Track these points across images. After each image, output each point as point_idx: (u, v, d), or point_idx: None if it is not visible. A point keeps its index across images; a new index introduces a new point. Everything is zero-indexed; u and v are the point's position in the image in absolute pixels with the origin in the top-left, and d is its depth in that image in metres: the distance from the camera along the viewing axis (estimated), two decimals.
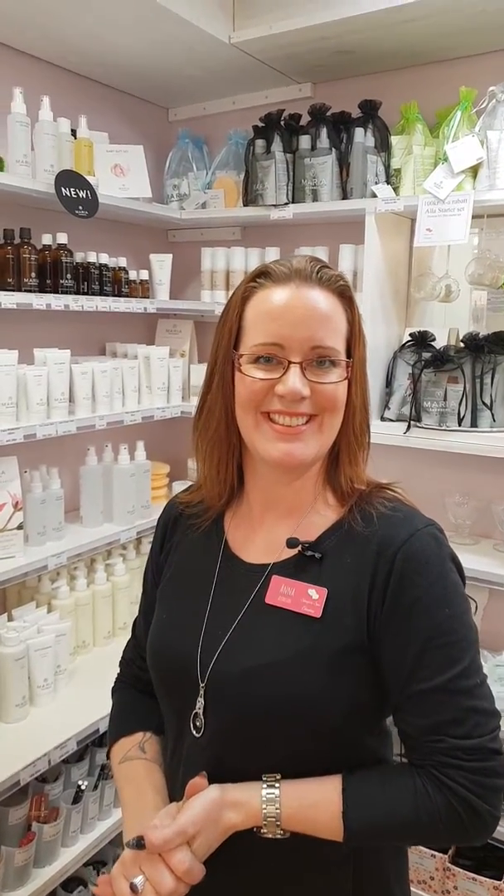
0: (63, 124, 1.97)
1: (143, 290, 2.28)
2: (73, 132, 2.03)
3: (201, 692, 0.93)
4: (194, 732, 0.93)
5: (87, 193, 1.94)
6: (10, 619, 1.98)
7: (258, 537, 0.99)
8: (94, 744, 2.00)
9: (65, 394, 2.00)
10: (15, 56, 2.08)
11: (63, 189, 1.87)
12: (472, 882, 1.89)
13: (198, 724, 0.93)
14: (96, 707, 1.89)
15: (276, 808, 0.86)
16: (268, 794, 0.86)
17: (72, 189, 1.90)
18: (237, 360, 0.93)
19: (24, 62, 2.10)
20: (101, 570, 2.22)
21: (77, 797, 1.83)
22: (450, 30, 1.82)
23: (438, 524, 0.93)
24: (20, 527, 1.95)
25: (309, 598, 0.89)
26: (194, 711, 0.93)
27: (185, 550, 1.06)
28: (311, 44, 1.91)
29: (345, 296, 0.94)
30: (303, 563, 0.92)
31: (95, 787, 1.89)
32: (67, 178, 1.89)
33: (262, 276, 0.94)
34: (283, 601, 0.90)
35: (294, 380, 0.88)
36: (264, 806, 0.86)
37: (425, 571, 0.86)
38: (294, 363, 0.88)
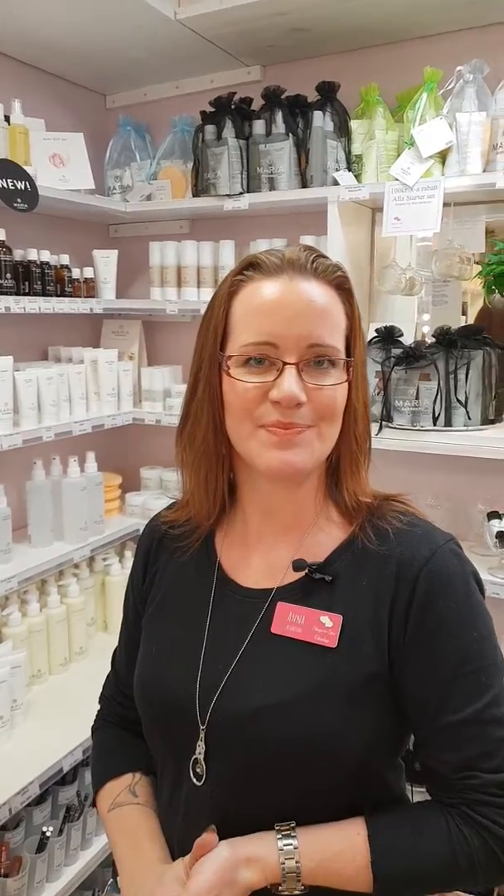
0: None
1: (88, 289, 2.12)
2: (7, 118, 1.85)
3: (202, 735, 0.82)
4: (195, 780, 0.82)
5: (25, 185, 1.76)
6: None
7: (255, 558, 0.89)
8: (56, 783, 1.84)
9: (8, 404, 1.83)
10: None
11: None
12: None
13: (198, 770, 0.82)
14: (57, 743, 1.74)
15: (296, 862, 0.76)
16: (285, 845, 0.77)
17: (9, 180, 1.72)
18: (225, 362, 0.82)
19: None
20: (54, 592, 2.06)
21: (42, 845, 1.67)
22: (413, 7, 1.72)
23: (456, 538, 0.85)
24: None
25: (322, 627, 0.80)
26: (194, 757, 0.82)
27: (173, 576, 0.96)
28: (265, 20, 1.78)
29: (343, 288, 0.85)
30: (311, 588, 0.84)
31: (60, 831, 1.73)
32: (3, 168, 1.71)
33: (250, 267, 0.83)
34: (293, 630, 0.81)
35: (290, 383, 0.78)
36: (283, 860, 0.76)
37: (450, 592, 0.80)
38: (289, 364, 0.78)
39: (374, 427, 1.82)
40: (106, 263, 2.20)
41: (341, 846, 0.78)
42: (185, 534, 0.96)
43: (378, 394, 1.86)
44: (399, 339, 1.88)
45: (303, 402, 0.78)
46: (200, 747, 0.82)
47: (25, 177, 1.75)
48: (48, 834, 1.66)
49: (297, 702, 0.78)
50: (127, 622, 1.03)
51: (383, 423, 1.82)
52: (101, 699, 1.09)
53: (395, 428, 1.82)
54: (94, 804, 0.98)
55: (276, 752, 0.78)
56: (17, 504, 2.12)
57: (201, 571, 0.92)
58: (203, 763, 0.82)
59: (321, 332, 0.79)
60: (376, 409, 1.85)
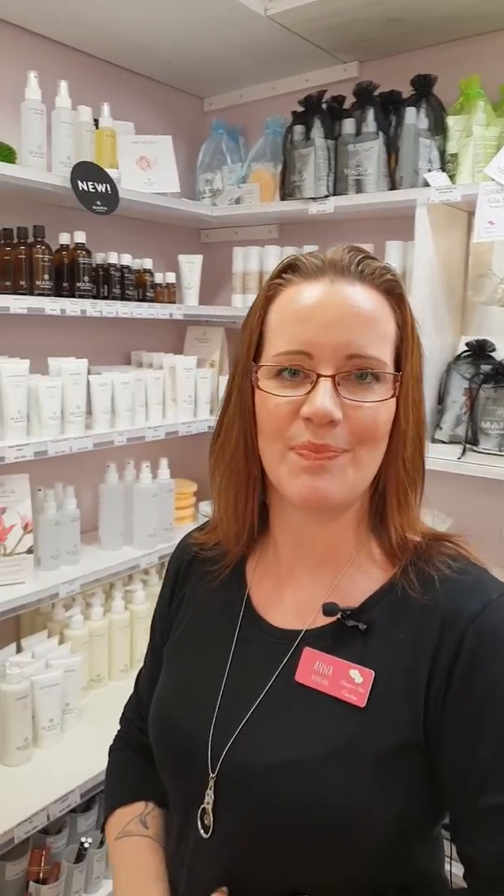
0: (84, 112, 1.80)
1: (170, 294, 2.10)
2: (96, 122, 1.86)
3: (211, 784, 0.74)
4: (202, 831, 0.74)
5: (106, 188, 1.76)
6: (20, 649, 1.82)
7: (287, 594, 0.81)
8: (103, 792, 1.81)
9: (81, 407, 1.83)
10: (30, 38, 1.91)
11: (80, 183, 1.70)
12: None
13: (206, 822, 0.74)
14: (107, 750, 1.71)
15: None
16: None
17: (89, 183, 1.72)
18: (255, 373, 0.74)
19: (40, 45, 1.93)
20: (119, 597, 2.05)
21: (80, 855, 1.65)
22: None
23: None
24: (30, 550, 1.78)
25: (351, 682, 0.71)
26: (202, 806, 0.74)
27: (200, 603, 0.89)
28: (358, 11, 1.68)
29: (393, 293, 0.74)
30: (343, 635, 0.74)
31: (101, 843, 1.70)
32: (85, 171, 1.71)
33: (289, 270, 0.75)
34: (318, 682, 0.73)
35: (323, 397, 0.68)
36: None
37: (503, 654, 0.68)
38: (324, 376, 0.69)
39: (456, 450, 1.67)
40: (190, 269, 2.17)
41: None
42: (216, 557, 0.88)
43: (465, 413, 1.71)
44: (491, 353, 1.72)
45: (337, 421, 0.69)
46: (209, 796, 0.74)
47: (106, 179, 1.75)
48: (86, 845, 1.63)
49: (316, 764, 0.69)
50: (153, 644, 0.97)
51: (467, 446, 1.66)
52: (122, 720, 1.04)
53: (480, 452, 1.66)
54: (102, 829, 0.93)
55: (288, 816, 0.69)
56: (93, 506, 2.14)
57: (229, 602, 0.85)
58: (211, 814, 0.74)
59: (363, 341, 0.70)
60: (461, 431, 1.70)
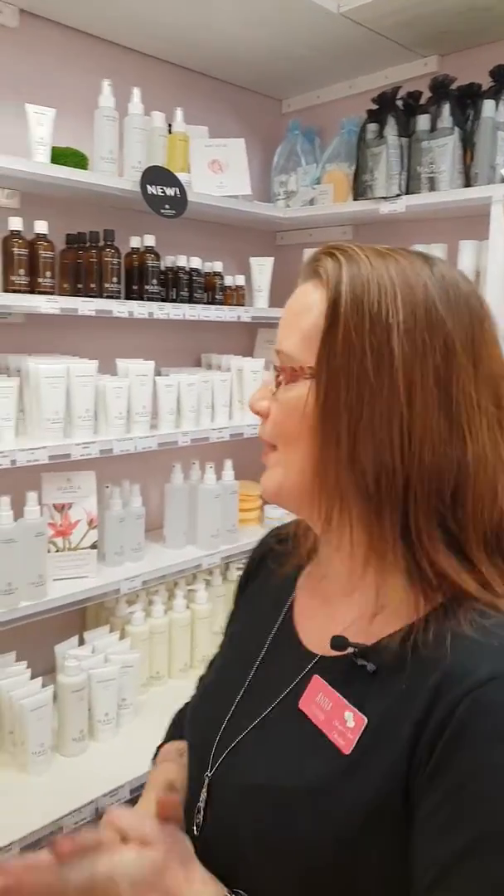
0: (157, 118, 1.83)
1: (239, 296, 2.10)
2: (170, 127, 1.88)
3: (206, 782, 0.73)
4: (194, 828, 0.73)
5: (175, 191, 1.78)
6: (82, 642, 1.87)
7: (320, 615, 0.76)
8: None
9: (146, 407, 1.86)
10: (106, 47, 1.96)
11: (149, 187, 1.73)
12: None
13: (198, 819, 0.73)
14: None
15: None
16: None
17: (158, 187, 1.75)
18: None
19: (115, 53, 1.98)
20: (181, 596, 2.06)
21: None
22: None
23: None
24: (94, 546, 1.83)
25: (343, 724, 0.64)
26: (198, 803, 0.74)
27: (256, 601, 0.87)
28: (436, 2, 1.62)
29: (318, 276, 0.67)
30: (353, 671, 0.67)
31: None
32: (154, 175, 1.74)
33: None
34: (315, 715, 0.67)
35: (256, 390, 0.74)
36: None
37: (500, 738, 0.56)
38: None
39: None
40: (261, 271, 2.16)
41: None
42: (288, 552, 0.85)
43: None
44: None
45: (262, 412, 0.71)
46: (203, 795, 0.73)
47: (175, 183, 1.77)
48: None
49: (289, 797, 0.64)
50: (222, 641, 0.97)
51: None
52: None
53: None
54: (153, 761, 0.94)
55: (264, 839, 0.66)
56: (159, 505, 2.17)
57: (275, 609, 0.81)
58: (203, 812, 0.73)
59: (283, 336, 0.70)
60: None
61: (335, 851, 0.61)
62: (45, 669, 1.84)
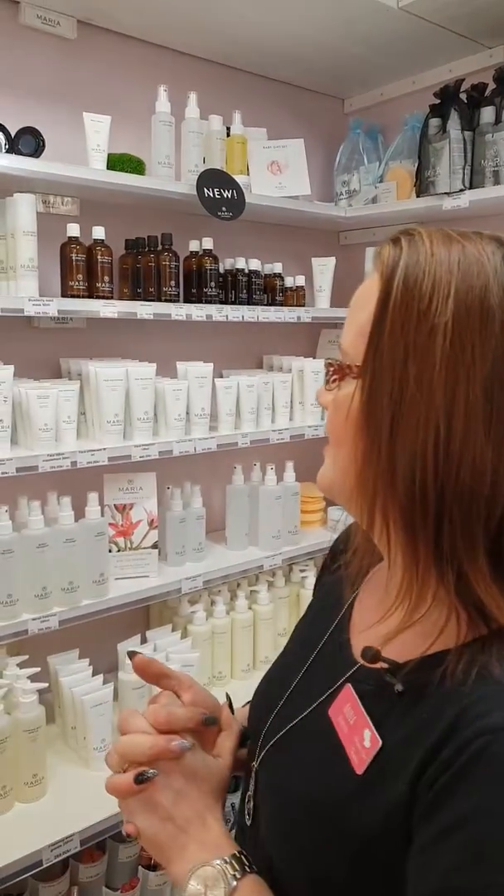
0: (214, 121, 1.85)
1: (299, 297, 2.09)
2: (228, 130, 1.90)
3: (253, 773, 0.73)
4: (246, 815, 0.74)
5: (232, 193, 1.79)
6: (144, 640, 1.90)
7: (372, 617, 0.71)
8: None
9: (205, 409, 1.88)
10: (161, 53, 1.98)
11: (206, 190, 1.75)
12: None
13: (248, 807, 0.73)
14: None
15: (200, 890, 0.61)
16: (222, 867, 0.62)
17: (215, 189, 1.76)
18: None
19: (171, 58, 2.01)
20: (243, 597, 2.07)
21: None
22: None
23: None
24: (155, 545, 1.86)
25: (361, 741, 0.62)
26: (248, 792, 0.74)
27: (325, 596, 0.84)
28: None
29: (379, 268, 0.61)
30: (383, 687, 0.63)
31: None
32: (211, 178, 1.76)
33: None
34: (340, 726, 0.65)
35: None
36: (192, 882, 0.62)
37: (497, 789, 0.51)
38: None
39: None
40: (322, 271, 2.15)
41: None
42: (360, 547, 0.80)
43: None
44: None
45: (324, 405, 0.68)
46: (252, 785, 0.73)
47: (232, 185, 1.78)
48: None
49: (305, 809, 0.63)
50: None
51: None
52: None
53: None
54: None
55: (281, 840, 0.66)
56: (221, 506, 2.19)
57: (337, 604, 0.78)
58: (252, 802, 0.73)
59: (344, 330, 0.65)
60: None
61: (339, 867, 0.59)
62: (109, 667, 1.88)
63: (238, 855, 0.64)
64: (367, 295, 0.61)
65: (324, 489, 0.70)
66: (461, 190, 1.75)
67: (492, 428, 0.55)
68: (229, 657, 2.06)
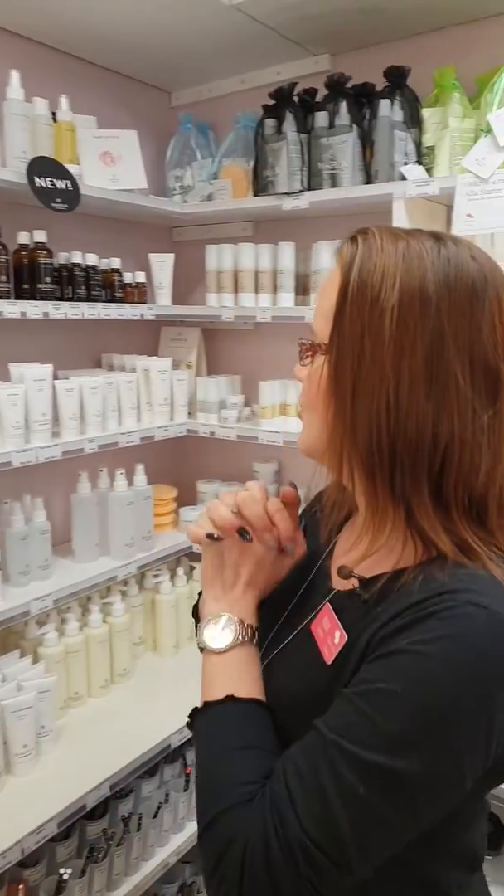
0: (39, 105, 1.71)
1: (140, 294, 2.02)
2: (54, 115, 1.77)
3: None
4: None
5: (67, 184, 1.68)
6: None
7: (354, 548, 0.80)
8: (85, 817, 1.74)
9: (46, 414, 1.75)
10: None
11: (36, 179, 1.62)
12: None
13: None
14: (86, 776, 1.63)
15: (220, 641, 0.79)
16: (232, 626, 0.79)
17: (48, 179, 1.64)
18: None
19: None
20: (97, 610, 1.97)
21: (60, 888, 1.57)
22: None
23: None
24: None
25: (332, 640, 0.75)
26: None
27: (310, 529, 0.94)
28: (328, 2, 1.61)
29: (340, 256, 0.73)
30: (352, 600, 0.76)
31: (83, 872, 1.63)
32: (42, 167, 1.63)
33: None
34: (318, 634, 0.79)
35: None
36: (210, 623, 0.80)
37: (437, 634, 0.61)
38: None
39: None
40: (161, 268, 2.09)
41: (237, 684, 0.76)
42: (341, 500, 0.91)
43: None
44: None
45: (298, 380, 0.79)
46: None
47: (67, 175, 1.67)
48: (65, 877, 1.56)
49: (296, 703, 0.75)
50: None
51: None
52: None
53: None
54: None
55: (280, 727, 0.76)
56: (63, 517, 2.06)
57: (328, 536, 0.89)
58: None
59: (314, 314, 0.77)
60: None
61: None
62: None
63: (252, 627, 0.81)
64: (331, 285, 0.72)
65: (303, 450, 0.80)
66: (301, 191, 1.79)
67: (431, 391, 0.66)
68: (86, 675, 1.95)
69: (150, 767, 1.84)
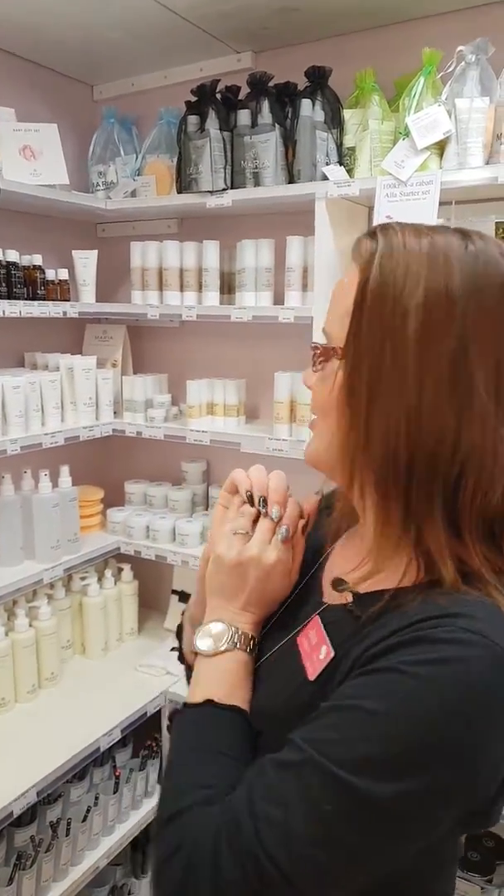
0: None
1: (63, 291, 1.98)
2: None
3: None
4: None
5: None
6: None
7: (345, 567, 0.76)
8: (12, 825, 1.70)
9: None
10: None
11: None
12: None
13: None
14: (12, 783, 1.60)
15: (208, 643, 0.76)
16: (229, 633, 0.76)
17: None
18: None
19: None
20: (23, 614, 1.92)
21: None
22: None
23: None
24: None
25: (318, 656, 0.71)
26: None
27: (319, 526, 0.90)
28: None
29: (358, 257, 0.68)
30: (345, 616, 0.71)
31: (11, 880, 1.59)
32: None
33: None
34: (303, 646, 0.74)
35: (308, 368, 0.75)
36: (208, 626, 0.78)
37: (430, 656, 0.58)
38: None
39: None
40: (85, 264, 2.06)
41: (223, 688, 0.74)
42: (341, 510, 0.88)
43: None
44: None
45: (308, 385, 0.75)
46: None
47: None
48: None
49: (271, 718, 0.72)
50: None
51: None
52: None
53: None
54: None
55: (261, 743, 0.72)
56: None
57: (315, 556, 0.85)
58: None
59: (327, 315, 0.72)
60: None
61: None
62: None
63: (248, 636, 0.77)
64: (348, 284, 0.67)
65: (310, 461, 0.76)
66: (224, 189, 1.79)
67: (453, 400, 0.61)
68: (12, 681, 1.90)
69: (79, 771, 1.81)
